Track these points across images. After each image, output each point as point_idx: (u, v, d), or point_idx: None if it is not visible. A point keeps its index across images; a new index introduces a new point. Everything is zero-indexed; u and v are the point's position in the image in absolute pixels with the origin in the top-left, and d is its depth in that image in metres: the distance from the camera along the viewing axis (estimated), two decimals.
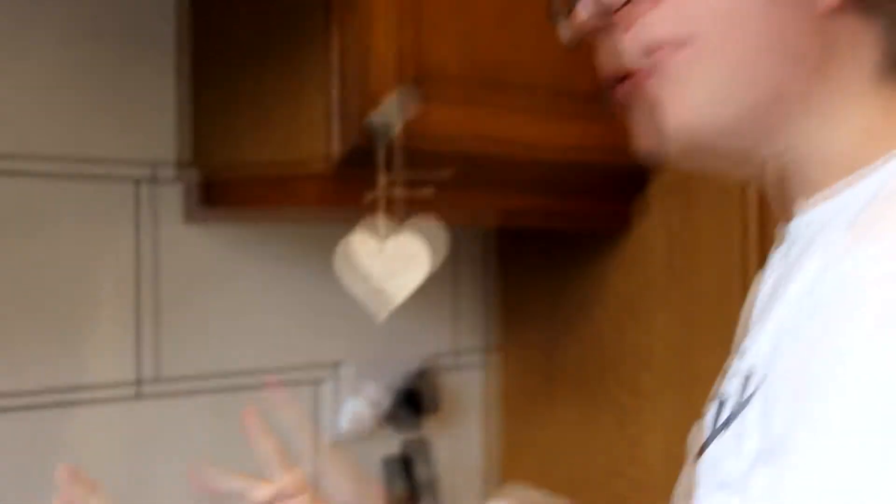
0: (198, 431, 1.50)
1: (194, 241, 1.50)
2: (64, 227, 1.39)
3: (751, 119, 0.65)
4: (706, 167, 0.73)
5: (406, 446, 1.69)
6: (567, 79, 1.44)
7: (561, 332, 1.73)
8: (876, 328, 0.52)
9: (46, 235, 1.38)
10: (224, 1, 1.39)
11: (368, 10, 1.23)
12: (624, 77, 0.68)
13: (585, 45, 0.72)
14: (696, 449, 0.75)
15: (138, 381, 1.45)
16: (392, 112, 1.20)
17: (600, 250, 1.65)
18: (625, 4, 0.66)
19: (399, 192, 1.20)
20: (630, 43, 0.66)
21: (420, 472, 1.68)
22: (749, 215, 1.44)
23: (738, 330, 0.84)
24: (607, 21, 0.67)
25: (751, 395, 0.60)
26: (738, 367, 0.64)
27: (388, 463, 1.67)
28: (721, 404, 0.63)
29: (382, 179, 1.19)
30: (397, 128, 1.21)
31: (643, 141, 0.69)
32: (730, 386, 0.64)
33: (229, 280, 1.54)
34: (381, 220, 1.19)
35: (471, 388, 1.84)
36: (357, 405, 1.65)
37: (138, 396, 1.45)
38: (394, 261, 1.18)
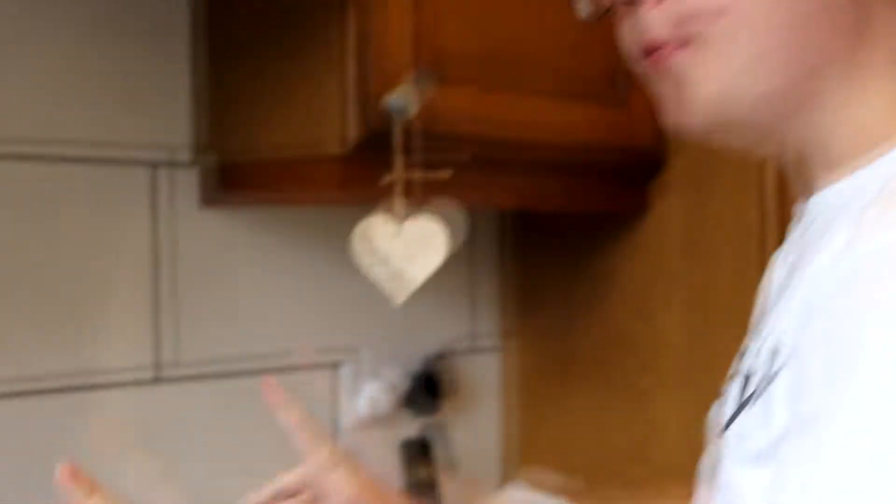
0: (215, 415, 1.50)
1: (211, 225, 1.50)
2: (81, 212, 1.39)
3: (782, 92, 0.64)
4: (730, 143, 0.72)
5: (424, 430, 1.69)
6: (584, 61, 1.43)
7: (577, 315, 1.72)
8: None
9: (64, 220, 1.38)
10: None
11: None
12: (650, 50, 0.67)
13: (603, 23, 0.71)
14: (717, 427, 0.75)
15: (156, 366, 1.46)
16: (408, 95, 1.20)
17: (617, 234, 1.65)
18: None
19: (416, 175, 1.20)
20: (660, 14, 0.65)
21: (438, 455, 1.68)
22: (767, 197, 1.43)
23: (756, 308, 0.84)
24: None
25: (778, 370, 0.60)
26: (762, 343, 0.64)
27: (407, 446, 1.67)
28: (747, 378, 0.63)
29: (399, 162, 1.19)
30: (414, 111, 1.21)
31: (670, 115, 0.68)
32: (756, 361, 0.63)
33: (246, 264, 1.54)
34: (398, 202, 1.19)
35: (488, 372, 1.84)
36: (375, 389, 1.65)
37: (156, 381, 1.46)
38: (412, 244, 1.18)
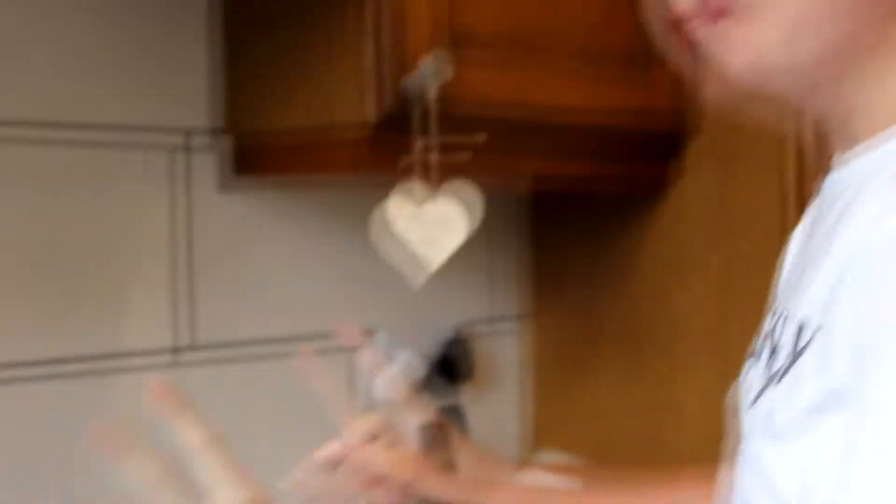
0: (235, 398, 1.50)
1: (229, 207, 1.50)
2: (100, 196, 1.39)
3: (816, 64, 0.64)
4: (759, 115, 0.71)
5: (442, 413, 1.69)
6: (603, 41, 1.42)
7: (597, 297, 1.72)
8: None
9: (81, 204, 1.38)
10: None
11: None
12: (681, 23, 0.66)
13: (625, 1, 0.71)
14: (738, 405, 0.75)
15: (175, 349, 1.46)
16: (427, 76, 1.19)
17: (637, 214, 1.64)
18: None
19: (435, 156, 1.19)
20: None
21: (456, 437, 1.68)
22: (788, 176, 1.42)
23: (776, 283, 0.84)
24: None
25: (805, 345, 0.59)
26: (787, 318, 0.64)
27: (425, 430, 1.66)
28: (773, 353, 0.63)
29: (418, 144, 1.18)
30: (433, 91, 1.20)
31: (708, 83, 0.67)
32: (782, 335, 0.63)
33: (264, 246, 1.54)
34: (416, 184, 1.18)
35: (507, 354, 1.84)
36: (392, 372, 1.65)
37: (175, 364, 1.46)
38: (430, 225, 1.18)
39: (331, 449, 0.98)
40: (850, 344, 0.55)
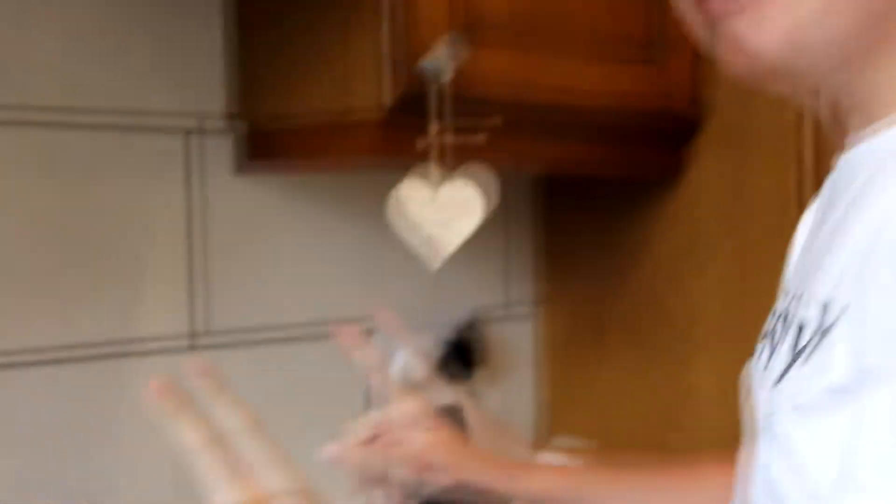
0: (251, 382, 1.50)
1: (244, 192, 1.50)
2: (115, 180, 1.39)
3: (846, 40, 0.63)
4: (782, 91, 0.70)
5: (457, 397, 1.69)
6: (619, 25, 1.42)
7: (612, 281, 1.72)
8: None
9: (97, 188, 1.38)
10: None
11: None
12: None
13: None
14: (756, 384, 0.75)
15: (192, 334, 1.46)
16: (443, 58, 1.19)
17: (652, 198, 1.64)
18: None
19: (450, 139, 1.19)
20: None
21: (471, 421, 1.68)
22: (805, 160, 1.42)
23: (788, 263, 0.83)
24: None
25: (834, 322, 0.59)
26: (811, 295, 0.63)
27: (440, 413, 1.67)
28: (800, 330, 0.62)
29: (434, 126, 1.18)
30: (448, 75, 1.20)
31: (738, 57, 0.65)
32: (807, 312, 0.62)
33: (280, 231, 1.54)
34: (432, 167, 1.18)
35: (521, 339, 1.83)
36: (407, 357, 1.65)
37: (192, 348, 1.46)
38: (446, 208, 1.18)
39: (369, 425, 0.99)
40: (886, 321, 0.54)
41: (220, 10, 1.45)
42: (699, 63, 1.51)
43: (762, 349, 0.75)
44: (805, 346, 0.60)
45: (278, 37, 1.37)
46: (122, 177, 1.40)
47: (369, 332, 1.63)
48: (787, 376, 0.61)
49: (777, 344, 0.69)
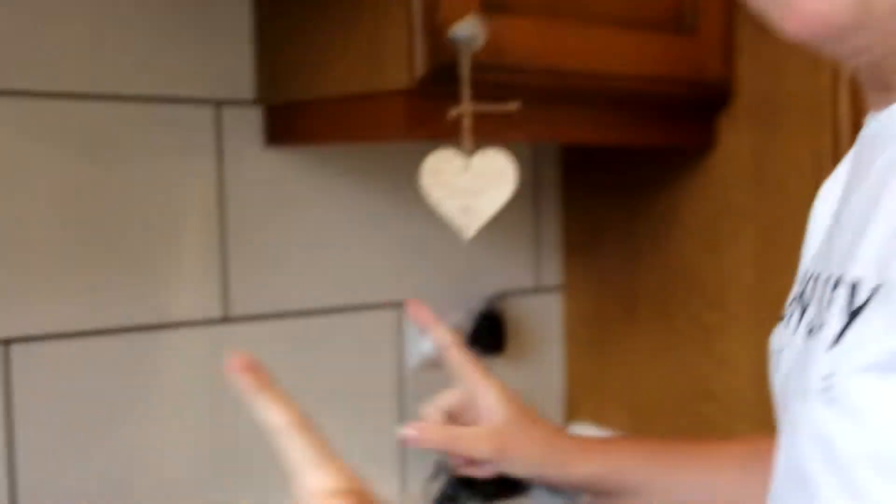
0: (281, 356, 1.51)
1: (275, 164, 1.50)
2: (146, 153, 1.39)
3: (894, 12, 0.62)
4: (846, 50, 0.68)
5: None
6: None
7: (642, 253, 1.71)
8: None
9: (128, 160, 1.38)
10: None
11: None
12: None
13: None
14: (782, 349, 0.74)
15: (223, 307, 1.46)
16: (475, 27, 1.18)
17: (682, 170, 1.63)
18: None
19: (481, 108, 1.18)
20: None
21: None
22: (841, 130, 1.40)
23: (808, 238, 0.83)
24: None
25: (862, 306, 0.58)
26: (834, 278, 0.63)
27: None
28: (853, 289, 0.61)
29: (466, 95, 1.18)
30: (479, 44, 1.19)
31: (802, 19, 0.64)
32: (864, 269, 0.61)
33: (311, 203, 1.54)
34: (465, 136, 1.17)
35: (551, 313, 1.83)
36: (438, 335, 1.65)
37: (223, 321, 1.46)
38: (480, 177, 1.17)
39: (411, 428, 0.98)
40: None
41: None
42: (730, 32, 1.50)
43: (791, 313, 0.74)
44: (863, 306, 0.59)
45: (308, 8, 1.37)
46: (151, 152, 1.40)
47: (400, 307, 1.63)
48: (846, 334, 0.60)
49: (808, 306, 0.69)
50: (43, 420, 1.33)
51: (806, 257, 0.83)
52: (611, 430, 1.76)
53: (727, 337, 1.59)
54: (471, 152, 1.18)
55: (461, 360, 1.04)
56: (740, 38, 1.50)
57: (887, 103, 0.66)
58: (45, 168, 1.32)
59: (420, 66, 1.21)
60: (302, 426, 0.69)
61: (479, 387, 1.02)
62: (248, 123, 1.46)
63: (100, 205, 1.36)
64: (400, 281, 1.64)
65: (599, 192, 1.77)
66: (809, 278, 0.71)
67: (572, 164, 1.81)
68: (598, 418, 1.79)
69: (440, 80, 1.20)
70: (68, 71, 1.33)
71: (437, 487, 1.58)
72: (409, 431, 0.97)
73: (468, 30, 1.18)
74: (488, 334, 1.71)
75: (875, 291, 0.58)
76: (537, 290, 1.81)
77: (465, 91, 1.17)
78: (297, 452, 0.68)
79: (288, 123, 1.43)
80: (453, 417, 1.02)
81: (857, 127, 1.37)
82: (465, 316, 1.69)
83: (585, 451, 1.02)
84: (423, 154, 1.19)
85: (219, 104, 1.44)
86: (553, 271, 1.83)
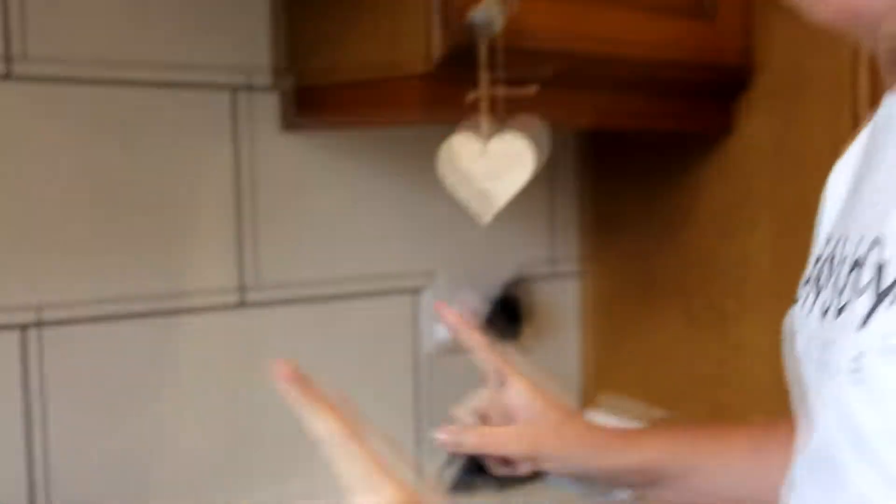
0: (298, 339, 1.51)
1: (292, 148, 1.50)
2: (163, 136, 1.39)
3: None
4: (869, 31, 0.68)
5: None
6: None
7: (660, 238, 1.70)
8: None
9: (146, 144, 1.38)
10: None
11: None
12: None
13: None
14: (796, 331, 0.74)
15: (241, 289, 1.46)
16: (493, 9, 1.17)
17: (701, 154, 1.62)
18: None
19: (501, 91, 1.18)
20: None
21: None
22: (860, 109, 1.39)
23: (824, 205, 0.82)
24: None
25: (894, 283, 0.58)
26: (884, 235, 0.62)
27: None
28: (879, 270, 0.61)
29: (484, 78, 1.17)
30: (498, 26, 1.18)
31: (830, 6, 0.64)
32: (882, 252, 0.61)
33: (327, 187, 1.54)
34: (483, 119, 1.17)
35: (568, 296, 1.83)
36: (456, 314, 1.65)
37: (241, 304, 1.47)
38: (498, 161, 1.17)
39: (446, 433, 0.98)
40: None
41: None
42: (749, 17, 1.49)
43: (806, 295, 0.74)
44: (892, 286, 0.59)
45: None
46: (170, 133, 1.40)
47: (416, 290, 1.63)
48: (873, 316, 0.60)
49: (823, 288, 0.68)
50: (63, 402, 1.34)
51: (819, 239, 0.82)
52: (627, 415, 1.76)
53: (744, 322, 1.58)
54: (489, 135, 1.18)
55: (492, 360, 1.03)
56: (759, 23, 1.49)
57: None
58: (63, 149, 1.32)
59: (437, 50, 1.20)
60: (353, 437, 0.67)
61: (510, 386, 1.02)
62: (265, 109, 1.46)
63: (119, 186, 1.37)
64: (416, 266, 1.64)
65: (618, 177, 1.77)
66: (824, 260, 0.71)
67: (590, 149, 1.80)
68: (614, 403, 1.79)
69: (458, 63, 1.20)
70: (88, 54, 1.33)
71: (452, 473, 1.59)
72: (442, 436, 0.96)
73: (487, 13, 1.17)
74: (505, 319, 1.70)
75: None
76: (554, 275, 1.81)
77: (483, 75, 1.17)
78: (350, 467, 0.67)
79: (305, 108, 1.43)
80: (485, 418, 1.02)
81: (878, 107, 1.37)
82: (483, 296, 1.69)
83: (623, 444, 1.01)
84: (440, 137, 1.19)
85: (236, 88, 1.44)
86: (570, 256, 1.83)
